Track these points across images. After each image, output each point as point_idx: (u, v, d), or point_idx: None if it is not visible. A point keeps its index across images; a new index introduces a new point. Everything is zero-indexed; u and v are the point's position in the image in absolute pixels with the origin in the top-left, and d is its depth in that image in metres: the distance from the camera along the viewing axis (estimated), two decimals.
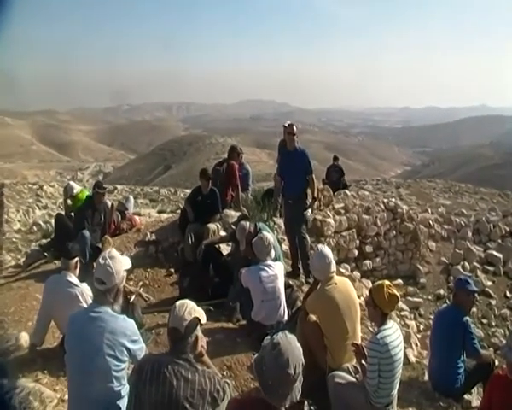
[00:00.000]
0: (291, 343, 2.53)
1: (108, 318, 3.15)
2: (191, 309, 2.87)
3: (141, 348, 3.25)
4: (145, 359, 3.01)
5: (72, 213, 8.30)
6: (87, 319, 3.16)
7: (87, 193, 8.60)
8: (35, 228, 12.21)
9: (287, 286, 5.80)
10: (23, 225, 13.14)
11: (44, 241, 9.11)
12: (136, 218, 9.28)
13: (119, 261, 3.30)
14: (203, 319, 2.92)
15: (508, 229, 12.63)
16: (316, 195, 7.50)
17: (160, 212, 12.48)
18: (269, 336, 2.61)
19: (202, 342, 2.97)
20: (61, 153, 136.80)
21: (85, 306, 4.55)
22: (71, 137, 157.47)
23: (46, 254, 8.05)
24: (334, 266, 4.72)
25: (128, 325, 3.22)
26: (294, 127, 7.32)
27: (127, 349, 3.13)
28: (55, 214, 11.68)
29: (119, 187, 25.59)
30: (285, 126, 8.99)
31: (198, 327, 2.89)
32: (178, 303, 2.91)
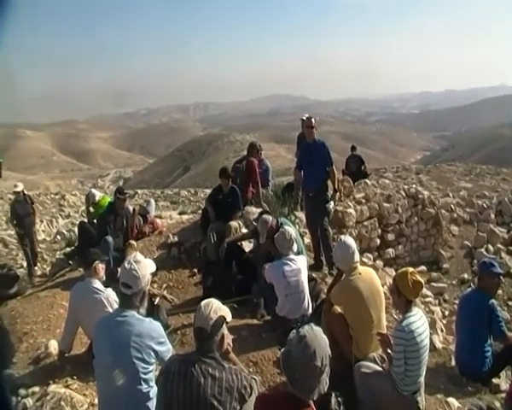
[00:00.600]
0: (317, 336, 2.57)
1: (135, 321, 3.20)
2: (216, 308, 2.90)
3: (168, 350, 3.29)
4: (172, 359, 3.06)
5: (95, 220, 8.41)
6: (114, 324, 3.22)
7: (109, 199, 8.71)
8: (59, 237, 12.43)
9: (310, 279, 5.80)
10: (47, 235, 13.40)
11: (68, 249, 9.26)
12: (158, 221, 9.37)
13: (145, 265, 3.36)
14: (229, 317, 2.95)
15: None
16: (337, 186, 7.47)
17: (181, 213, 12.55)
18: (294, 330, 2.64)
19: (228, 339, 3.00)
20: (82, 161, 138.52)
21: (111, 311, 4.63)
22: (90, 145, 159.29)
23: (71, 262, 8.19)
24: (357, 256, 4.72)
25: (154, 327, 3.27)
26: (313, 120, 7.28)
27: (154, 351, 3.18)
28: (77, 222, 11.87)
29: (139, 191, 25.85)
30: (303, 120, 8.96)
31: (224, 325, 2.92)
32: (204, 303, 2.94)
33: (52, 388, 4.27)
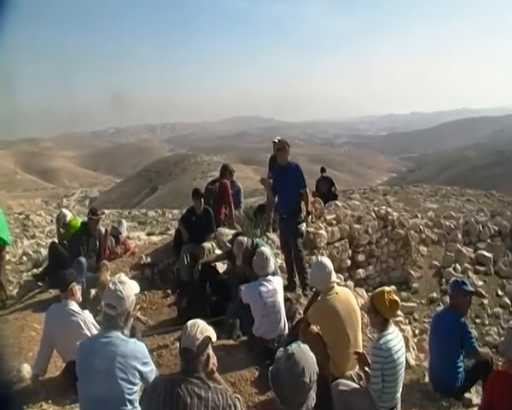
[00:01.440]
0: (305, 353, 2.64)
1: (119, 342, 3.20)
2: (202, 328, 2.93)
3: (151, 371, 3.30)
4: (157, 379, 3.07)
5: (66, 241, 8.30)
6: (98, 345, 3.21)
7: (80, 220, 8.62)
8: (25, 258, 12.15)
9: (285, 300, 5.85)
10: (12, 256, 13.06)
11: (36, 270, 9.07)
12: (130, 242, 9.31)
13: (130, 286, 3.36)
14: (214, 338, 2.99)
15: (496, 228, 12.87)
16: (309, 208, 7.56)
17: (149, 234, 12.47)
18: (282, 349, 2.69)
19: (213, 359, 3.03)
20: (46, 180, 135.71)
21: (88, 333, 4.58)
22: (55, 164, 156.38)
23: (40, 283, 8.02)
24: (334, 276, 4.82)
25: (139, 348, 3.28)
26: (285, 142, 7.34)
27: (139, 372, 3.18)
28: (46, 243, 11.63)
29: (106, 211, 25.51)
30: (275, 142, 9.09)
31: (209, 346, 2.95)
32: (190, 323, 2.96)
33: None
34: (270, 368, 2.68)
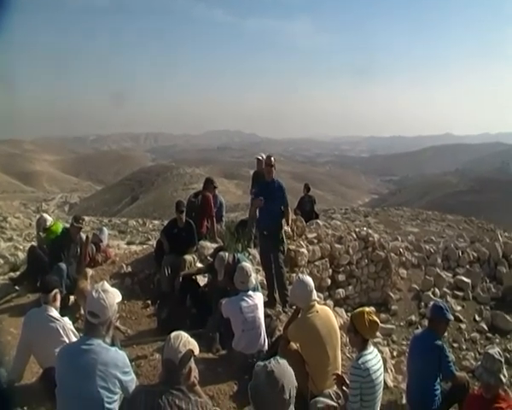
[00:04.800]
0: (284, 369, 2.65)
1: (100, 350, 3.18)
2: (185, 341, 2.94)
3: (132, 380, 3.28)
4: (138, 389, 3.06)
5: (45, 246, 8.21)
6: (79, 352, 3.18)
7: (61, 225, 8.53)
8: (1, 261, 11.95)
9: (265, 316, 5.86)
10: None
11: (13, 274, 8.94)
12: (110, 250, 9.24)
13: (112, 295, 3.34)
14: (196, 351, 3.00)
15: (475, 255, 13.05)
16: (289, 224, 7.57)
17: (129, 243, 12.39)
18: (261, 363, 2.69)
19: (195, 372, 3.03)
20: (26, 183, 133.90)
21: (67, 340, 4.52)
22: (35, 168, 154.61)
23: (17, 287, 7.91)
24: (315, 295, 4.86)
25: (120, 356, 3.26)
26: (273, 159, 7.37)
27: (119, 381, 3.16)
28: (24, 247, 11.46)
29: (86, 218, 25.24)
30: (258, 159, 9.12)
31: (192, 359, 2.95)
32: (173, 335, 2.97)
33: None
34: (250, 384, 2.68)
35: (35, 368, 5.11)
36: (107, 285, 3.42)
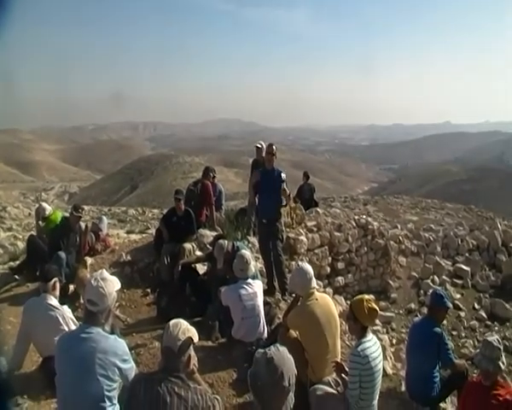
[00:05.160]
0: (283, 356, 2.64)
1: (100, 338, 3.17)
2: (185, 329, 2.92)
3: (131, 368, 3.27)
4: (137, 377, 3.05)
5: (44, 235, 8.21)
6: (78, 340, 3.17)
7: (60, 214, 8.53)
8: (1, 251, 11.95)
9: (265, 303, 5.87)
10: None
11: (13, 263, 8.95)
12: (110, 239, 9.25)
13: (111, 283, 3.32)
14: (196, 339, 2.98)
15: (474, 243, 13.09)
16: (288, 201, 7.48)
17: (128, 232, 12.38)
18: (261, 350, 2.69)
19: (194, 360, 3.02)
20: (25, 173, 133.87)
21: (67, 329, 4.53)
22: (35, 157, 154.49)
23: (17, 276, 7.92)
24: (314, 282, 4.85)
25: (119, 344, 3.25)
26: (274, 147, 7.32)
27: (118, 369, 3.15)
28: (23, 236, 11.44)
29: (85, 207, 25.24)
30: (257, 147, 9.08)
31: (191, 346, 2.94)
32: (172, 323, 2.95)
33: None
34: (249, 371, 2.68)
35: (35, 357, 5.12)
36: (106, 273, 3.40)
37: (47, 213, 8.55)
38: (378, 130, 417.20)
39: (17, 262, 8.69)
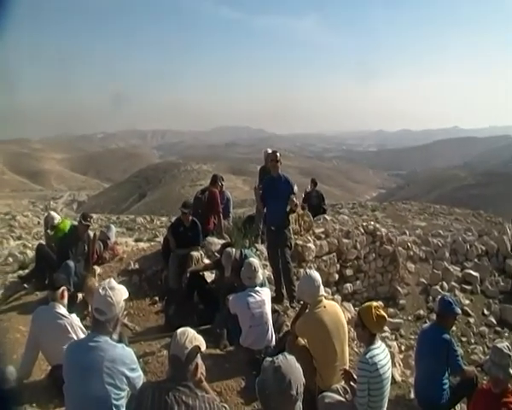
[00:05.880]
0: (291, 365, 2.64)
1: (107, 346, 3.18)
2: (192, 337, 2.93)
3: (139, 377, 3.28)
4: (145, 386, 3.06)
5: (53, 244, 8.25)
6: (86, 348, 3.19)
7: (69, 223, 8.57)
8: (11, 259, 12.02)
9: (273, 311, 5.86)
10: None
11: (22, 272, 9.00)
12: (118, 247, 9.27)
13: (119, 292, 3.35)
14: (203, 347, 2.99)
15: (483, 248, 12.99)
16: (294, 205, 7.42)
17: (137, 240, 12.41)
18: (269, 359, 2.69)
19: (202, 369, 3.02)
20: (34, 182, 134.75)
21: (75, 337, 4.55)
22: (44, 166, 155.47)
23: (26, 285, 7.96)
24: (322, 290, 4.84)
25: (127, 353, 3.26)
26: (278, 154, 7.33)
27: (126, 378, 3.16)
28: (32, 245, 11.51)
29: (94, 216, 25.33)
30: (267, 153, 9.09)
31: (198, 355, 2.95)
32: (179, 331, 2.96)
33: None
34: (257, 379, 2.68)
35: (44, 365, 5.15)
36: (113, 282, 3.42)
37: (55, 221, 8.59)
38: (386, 136, 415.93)
39: (26, 271, 8.72)
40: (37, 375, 5.07)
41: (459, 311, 5.58)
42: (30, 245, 12.74)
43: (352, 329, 6.07)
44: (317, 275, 4.89)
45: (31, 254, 10.05)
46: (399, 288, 11.40)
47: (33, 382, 4.97)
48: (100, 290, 3.29)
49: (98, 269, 7.59)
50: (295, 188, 7.22)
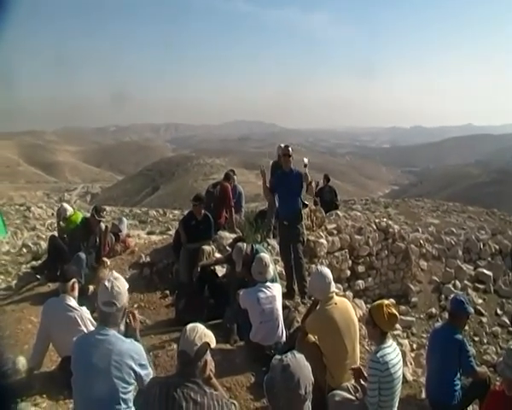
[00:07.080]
0: (300, 363, 2.60)
1: (115, 340, 3.18)
2: (201, 334, 2.88)
3: (148, 374, 3.25)
4: (153, 381, 3.03)
5: (66, 236, 8.28)
6: (94, 342, 3.19)
7: (81, 215, 8.60)
8: (25, 250, 12.11)
9: (283, 307, 5.83)
10: (12, 246, 13.00)
11: (35, 263, 9.05)
12: (130, 240, 9.29)
13: (123, 282, 3.38)
14: (213, 344, 2.94)
15: (497, 247, 12.85)
16: (309, 189, 7.35)
17: (149, 233, 12.43)
18: (277, 356, 2.65)
19: (211, 365, 2.99)
20: (49, 174, 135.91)
21: (85, 330, 4.55)
22: (58, 158, 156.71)
23: (39, 276, 8.00)
24: (333, 286, 4.80)
25: (136, 348, 3.24)
26: (290, 148, 7.31)
27: (134, 372, 3.15)
28: (46, 236, 11.58)
29: (107, 208, 25.46)
30: (280, 148, 9.06)
31: (208, 351, 2.91)
32: (189, 327, 2.92)
33: (20, 406, 4.15)
34: (265, 377, 2.65)
35: (54, 356, 5.17)
36: (116, 273, 3.44)
37: (68, 213, 8.64)
38: (399, 132, 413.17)
39: (39, 262, 8.78)
40: (47, 366, 5.09)
41: (472, 310, 5.50)
42: (44, 236, 12.83)
43: (364, 326, 6.03)
44: (328, 271, 4.85)
45: (44, 245, 10.11)
46: (411, 285, 11.31)
47: (44, 373, 4.98)
48: (106, 283, 3.29)
49: (109, 261, 7.59)
50: (306, 160, 7.19)
